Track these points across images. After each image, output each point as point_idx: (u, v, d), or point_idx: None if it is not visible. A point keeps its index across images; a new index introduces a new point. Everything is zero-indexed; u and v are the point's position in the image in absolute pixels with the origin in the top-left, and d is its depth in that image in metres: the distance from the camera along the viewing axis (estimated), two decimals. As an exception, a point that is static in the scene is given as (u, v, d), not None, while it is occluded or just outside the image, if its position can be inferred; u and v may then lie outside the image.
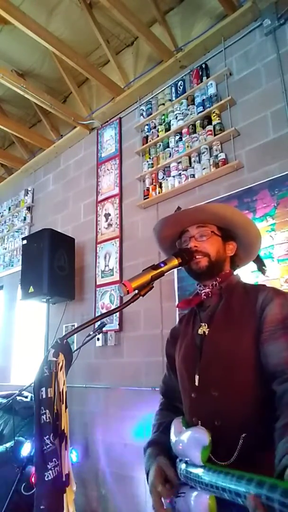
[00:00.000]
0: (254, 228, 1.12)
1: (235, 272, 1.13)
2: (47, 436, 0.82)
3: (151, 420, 1.18)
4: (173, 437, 0.93)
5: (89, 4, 3.04)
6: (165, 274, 1.01)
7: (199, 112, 2.70)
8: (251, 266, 1.21)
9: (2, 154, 4.42)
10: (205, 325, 1.03)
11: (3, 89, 3.76)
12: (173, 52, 2.94)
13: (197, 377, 0.98)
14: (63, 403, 0.84)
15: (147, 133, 3.08)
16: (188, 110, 2.80)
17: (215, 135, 2.56)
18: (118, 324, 2.87)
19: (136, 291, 0.95)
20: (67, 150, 3.98)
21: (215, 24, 2.71)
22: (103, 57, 3.51)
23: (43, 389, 0.85)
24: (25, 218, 4.28)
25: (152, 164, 2.96)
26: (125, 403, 2.72)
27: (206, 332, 1.01)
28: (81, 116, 3.65)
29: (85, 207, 3.57)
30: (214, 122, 2.59)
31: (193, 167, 2.65)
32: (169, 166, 2.82)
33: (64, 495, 0.80)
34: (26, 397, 3.13)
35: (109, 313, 0.96)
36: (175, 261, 1.02)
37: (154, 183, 2.90)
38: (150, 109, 3.12)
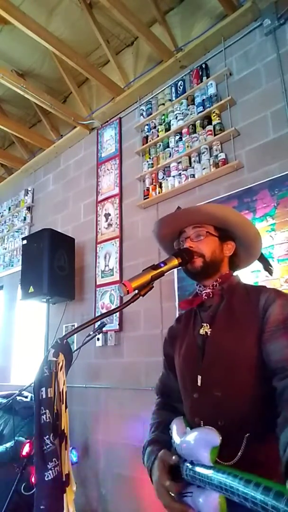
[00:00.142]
0: (251, 228, 1.11)
1: (234, 273, 1.13)
2: (47, 436, 0.82)
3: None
4: (176, 438, 0.93)
5: (89, 4, 3.04)
6: (165, 274, 1.01)
7: (199, 112, 2.70)
8: (251, 266, 1.21)
9: (2, 154, 4.42)
10: (207, 325, 1.03)
11: (3, 89, 3.76)
12: (173, 52, 2.93)
13: (199, 377, 0.98)
14: (63, 403, 0.84)
15: (147, 133, 3.08)
16: (188, 110, 2.80)
17: (215, 135, 2.56)
18: (118, 324, 2.87)
19: (136, 291, 0.95)
20: (67, 150, 3.98)
21: (215, 24, 2.71)
22: (103, 57, 3.51)
23: (43, 389, 0.85)
24: (25, 218, 4.28)
25: (152, 164, 2.96)
26: (125, 403, 2.72)
27: (208, 333, 1.01)
28: (81, 116, 3.65)
29: (85, 207, 3.58)
30: (214, 122, 2.59)
31: (193, 167, 2.65)
32: (169, 166, 2.82)
33: (64, 495, 0.80)
34: (26, 397, 3.13)
35: (109, 313, 0.95)
36: (175, 261, 1.02)
37: (154, 183, 2.90)
38: (150, 109, 3.12)
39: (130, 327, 2.84)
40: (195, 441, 0.83)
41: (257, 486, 0.63)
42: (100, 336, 2.90)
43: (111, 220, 3.23)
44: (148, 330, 2.70)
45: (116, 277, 3.01)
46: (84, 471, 2.84)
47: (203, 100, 2.71)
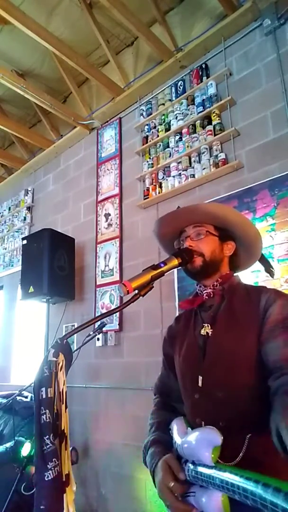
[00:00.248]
0: (252, 228, 1.11)
1: (235, 273, 1.13)
2: (47, 436, 0.82)
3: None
4: (177, 438, 0.92)
5: (89, 4, 3.04)
6: (165, 274, 1.01)
7: (199, 112, 2.70)
8: (251, 266, 1.21)
9: (2, 154, 4.42)
10: (208, 325, 1.02)
11: (3, 89, 3.76)
12: (173, 52, 2.94)
13: (200, 378, 0.98)
14: (63, 403, 0.84)
15: (147, 133, 3.08)
16: (188, 110, 2.80)
17: (215, 135, 2.56)
18: (118, 324, 2.87)
19: (136, 291, 0.94)
20: (67, 150, 3.98)
21: (215, 24, 2.71)
22: (103, 57, 3.51)
23: (43, 389, 0.84)
24: (25, 218, 4.28)
25: (152, 164, 2.96)
26: (125, 403, 2.72)
27: (210, 333, 1.01)
28: (81, 116, 3.65)
29: (85, 207, 3.58)
30: (214, 122, 2.59)
31: (193, 167, 2.65)
32: (169, 166, 2.82)
33: (64, 495, 0.80)
34: (26, 397, 3.13)
35: (109, 313, 0.95)
36: (175, 261, 1.02)
37: (154, 183, 2.90)
38: (150, 109, 3.12)
39: (130, 327, 2.84)
40: (196, 441, 0.83)
41: (257, 483, 0.63)
42: (100, 336, 2.90)
43: (111, 220, 3.23)
44: (148, 330, 2.70)
45: (116, 277, 3.01)
46: (84, 471, 2.84)
47: (203, 100, 2.71)
